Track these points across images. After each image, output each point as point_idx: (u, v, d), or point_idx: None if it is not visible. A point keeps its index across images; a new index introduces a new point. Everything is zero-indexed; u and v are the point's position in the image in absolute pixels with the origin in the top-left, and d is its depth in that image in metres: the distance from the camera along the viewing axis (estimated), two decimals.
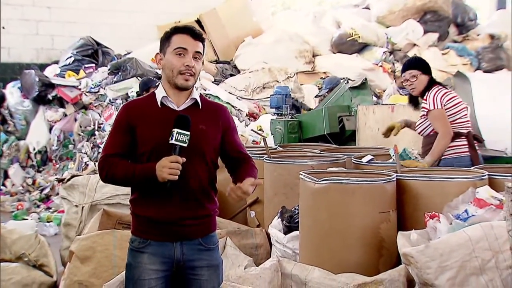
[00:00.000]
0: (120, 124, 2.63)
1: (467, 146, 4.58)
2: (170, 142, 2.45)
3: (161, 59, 2.64)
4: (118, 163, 2.55)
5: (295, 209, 4.15)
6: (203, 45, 2.64)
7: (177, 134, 2.46)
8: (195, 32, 2.61)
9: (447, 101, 4.58)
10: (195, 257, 2.60)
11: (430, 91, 4.62)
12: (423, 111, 4.63)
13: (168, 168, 2.43)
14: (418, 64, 4.77)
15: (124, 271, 3.34)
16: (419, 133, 4.72)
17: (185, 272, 2.60)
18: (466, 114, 4.68)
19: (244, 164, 2.70)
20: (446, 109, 4.56)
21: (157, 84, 6.94)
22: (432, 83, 4.69)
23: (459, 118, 4.61)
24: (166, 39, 2.63)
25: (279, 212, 4.24)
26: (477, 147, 4.70)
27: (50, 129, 9.91)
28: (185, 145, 2.47)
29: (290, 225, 4.10)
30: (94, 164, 8.65)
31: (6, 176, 9.24)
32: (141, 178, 2.52)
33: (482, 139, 4.80)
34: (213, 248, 2.66)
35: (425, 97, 4.63)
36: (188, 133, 2.47)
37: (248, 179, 2.53)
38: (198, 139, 2.56)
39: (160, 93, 2.63)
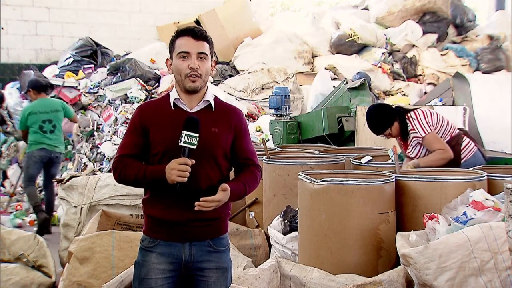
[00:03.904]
0: (134, 125, 2.64)
1: (471, 141, 4.68)
2: (179, 144, 2.46)
3: (171, 64, 2.66)
4: (130, 164, 2.57)
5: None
6: (209, 43, 2.62)
7: (186, 136, 2.46)
8: (196, 33, 2.59)
9: (431, 120, 4.56)
10: (204, 259, 2.59)
11: (411, 121, 4.55)
12: (416, 140, 4.56)
13: (177, 170, 2.44)
14: (379, 125, 4.63)
15: (123, 272, 3.36)
16: (414, 157, 4.63)
17: (193, 274, 2.60)
18: (447, 120, 4.70)
19: (246, 170, 2.68)
20: (437, 123, 4.59)
21: (47, 85, 7.37)
22: (403, 118, 4.59)
23: (446, 126, 4.63)
24: (171, 44, 2.64)
25: (283, 211, 4.23)
26: None
27: None
28: (194, 147, 2.46)
29: (292, 225, 4.10)
30: (93, 164, 8.65)
31: (5, 177, 9.22)
32: (152, 180, 2.53)
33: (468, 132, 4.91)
34: (222, 250, 2.65)
35: (411, 128, 4.56)
36: (197, 135, 2.47)
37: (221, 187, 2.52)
38: (210, 141, 2.56)
39: (173, 94, 2.64)
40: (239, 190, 2.60)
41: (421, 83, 10.71)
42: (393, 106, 4.76)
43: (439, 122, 4.60)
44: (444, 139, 4.56)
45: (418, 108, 4.71)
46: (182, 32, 2.61)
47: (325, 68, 8.24)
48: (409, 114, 4.59)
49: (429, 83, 9.48)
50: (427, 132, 4.49)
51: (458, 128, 4.80)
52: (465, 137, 4.70)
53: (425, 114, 4.57)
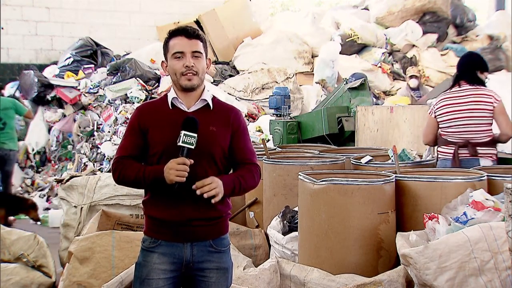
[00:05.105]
0: (132, 126, 2.64)
1: (451, 155, 4.56)
2: (178, 144, 2.46)
3: (166, 66, 2.65)
4: (129, 165, 2.57)
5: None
6: (202, 41, 2.62)
7: (184, 136, 2.45)
8: (189, 32, 2.59)
9: (437, 109, 4.68)
10: (205, 259, 2.59)
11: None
12: None
13: (175, 170, 2.43)
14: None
15: (123, 272, 3.35)
16: None
17: (194, 274, 2.59)
18: (458, 125, 4.59)
19: (243, 167, 2.66)
20: (436, 116, 4.69)
21: None
22: (455, 82, 4.78)
23: (447, 127, 4.63)
24: (165, 45, 2.64)
25: (282, 212, 4.23)
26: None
27: (49, 130, 9.92)
28: (193, 147, 2.46)
29: (291, 225, 4.09)
30: (93, 164, 8.65)
31: None
32: (151, 180, 2.53)
33: (475, 152, 4.54)
34: (223, 250, 2.65)
35: None
36: (196, 135, 2.47)
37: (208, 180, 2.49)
38: (208, 140, 2.56)
39: (171, 94, 2.63)
40: (231, 179, 2.56)
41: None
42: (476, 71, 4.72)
43: (441, 118, 4.63)
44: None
45: (461, 91, 4.66)
46: (175, 33, 2.61)
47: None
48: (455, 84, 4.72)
49: (411, 76, 9.26)
50: (428, 113, 4.79)
51: (460, 143, 4.58)
52: (451, 147, 4.57)
53: (436, 102, 4.71)
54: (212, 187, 2.47)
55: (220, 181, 2.50)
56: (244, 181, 2.61)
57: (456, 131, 4.60)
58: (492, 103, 4.51)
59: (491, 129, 4.56)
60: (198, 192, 2.46)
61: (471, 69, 4.69)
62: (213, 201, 2.48)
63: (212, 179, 2.48)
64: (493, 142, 4.57)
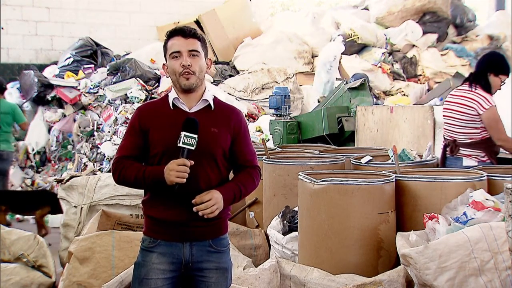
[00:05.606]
0: (133, 127, 2.64)
1: (442, 152, 4.72)
2: (178, 145, 2.45)
3: (167, 68, 2.65)
4: (130, 166, 2.57)
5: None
6: (200, 41, 2.62)
7: (185, 137, 2.45)
8: (185, 31, 2.59)
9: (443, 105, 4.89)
10: (204, 259, 2.59)
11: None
12: None
13: (175, 171, 2.43)
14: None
15: (123, 272, 3.35)
16: None
17: (193, 274, 2.59)
18: (446, 123, 4.71)
19: (243, 172, 2.67)
20: None
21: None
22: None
23: (443, 125, 4.77)
24: (164, 46, 2.64)
25: (282, 212, 4.23)
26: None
27: (49, 130, 9.91)
28: (193, 148, 2.46)
29: (291, 225, 4.10)
30: (93, 164, 8.65)
31: None
32: (151, 181, 2.53)
33: (457, 152, 4.60)
34: (223, 251, 2.65)
35: None
36: (196, 136, 2.46)
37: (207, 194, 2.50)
38: (209, 141, 2.55)
39: (172, 95, 2.63)
40: (231, 190, 2.58)
41: (421, 83, 10.70)
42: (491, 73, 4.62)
43: (442, 114, 4.77)
44: None
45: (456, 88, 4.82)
46: (172, 33, 2.62)
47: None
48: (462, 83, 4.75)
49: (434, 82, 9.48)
50: None
51: (448, 141, 4.69)
52: (443, 143, 4.72)
53: (448, 96, 4.79)
54: (210, 205, 2.48)
55: (220, 196, 2.51)
56: (245, 188, 2.63)
57: (445, 128, 4.73)
58: (475, 109, 4.47)
59: (475, 132, 4.51)
60: (194, 209, 2.47)
61: (482, 70, 4.63)
62: (206, 216, 2.48)
63: (211, 195, 2.49)
64: (480, 144, 4.51)
